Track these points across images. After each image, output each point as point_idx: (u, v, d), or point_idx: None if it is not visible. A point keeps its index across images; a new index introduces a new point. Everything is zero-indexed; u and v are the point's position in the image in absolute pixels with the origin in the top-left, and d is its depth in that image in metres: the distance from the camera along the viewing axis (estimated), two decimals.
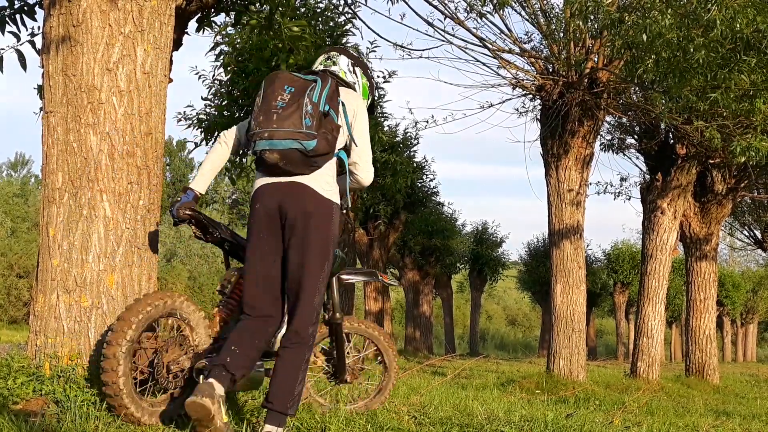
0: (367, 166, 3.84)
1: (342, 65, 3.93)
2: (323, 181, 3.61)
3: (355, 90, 3.90)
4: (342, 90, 3.75)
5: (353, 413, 4.30)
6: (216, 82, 10.34)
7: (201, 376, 3.53)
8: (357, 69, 3.97)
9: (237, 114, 10.07)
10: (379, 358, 4.63)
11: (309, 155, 3.52)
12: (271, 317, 3.69)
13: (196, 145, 10.29)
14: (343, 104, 3.70)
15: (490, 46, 10.77)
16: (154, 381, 3.68)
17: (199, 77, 10.52)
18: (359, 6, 10.19)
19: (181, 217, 3.64)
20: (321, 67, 3.94)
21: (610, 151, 14.67)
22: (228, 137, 3.84)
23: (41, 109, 4.32)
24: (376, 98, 3.97)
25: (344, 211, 3.94)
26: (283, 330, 3.75)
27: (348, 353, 4.39)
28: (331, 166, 3.67)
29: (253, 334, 3.62)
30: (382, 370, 4.65)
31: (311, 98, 3.56)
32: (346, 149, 3.78)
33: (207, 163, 3.85)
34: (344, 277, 4.29)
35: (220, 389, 3.40)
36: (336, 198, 3.68)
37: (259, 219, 3.63)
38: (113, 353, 3.48)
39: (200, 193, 3.76)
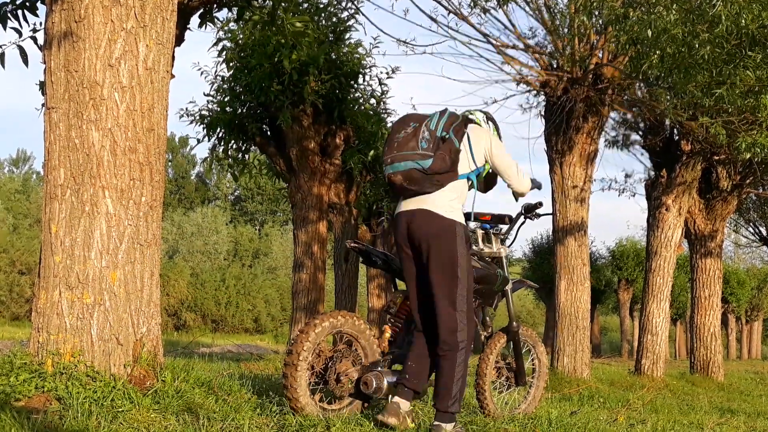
0: (514, 179, 4.33)
1: (478, 116, 4.47)
2: (446, 202, 4.01)
3: (481, 126, 4.40)
4: (470, 126, 4.23)
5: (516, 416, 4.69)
6: (218, 78, 10.30)
7: (367, 387, 4.11)
8: (490, 122, 4.50)
9: (239, 110, 10.02)
10: (533, 363, 5.14)
11: (428, 173, 3.94)
12: (427, 330, 4.13)
13: (198, 141, 10.26)
14: (468, 135, 4.15)
15: (494, 41, 10.73)
16: (325, 385, 4.18)
17: (202, 73, 10.49)
18: (362, 1, 10.14)
19: (350, 247, 4.43)
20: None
21: (615, 147, 14.62)
22: None
23: (43, 105, 4.30)
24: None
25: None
26: None
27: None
28: (455, 186, 4.06)
29: (421, 348, 4.13)
30: (532, 374, 5.15)
31: (428, 126, 4.03)
32: (479, 173, 4.23)
33: None
34: (507, 288, 4.88)
35: (405, 405, 4.01)
36: (459, 217, 4.05)
37: (399, 244, 4.14)
38: (297, 350, 3.99)
39: None
